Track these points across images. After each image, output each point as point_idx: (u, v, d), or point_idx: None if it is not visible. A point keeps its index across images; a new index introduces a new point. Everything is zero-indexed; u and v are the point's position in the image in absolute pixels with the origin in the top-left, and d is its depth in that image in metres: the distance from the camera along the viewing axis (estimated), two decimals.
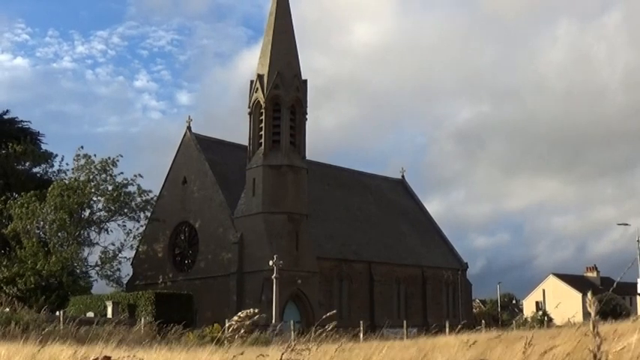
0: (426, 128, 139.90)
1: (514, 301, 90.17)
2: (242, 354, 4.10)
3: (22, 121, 54.55)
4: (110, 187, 44.42)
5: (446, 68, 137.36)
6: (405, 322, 34.89)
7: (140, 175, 45.50)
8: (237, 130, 46.56)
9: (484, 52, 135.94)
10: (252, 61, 44.70)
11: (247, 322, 3.93)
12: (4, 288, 40.98)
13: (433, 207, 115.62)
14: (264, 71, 44.26)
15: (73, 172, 45.94)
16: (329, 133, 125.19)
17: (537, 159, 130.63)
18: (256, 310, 3.91)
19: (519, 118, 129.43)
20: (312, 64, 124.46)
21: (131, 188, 44.89)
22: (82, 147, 45.80)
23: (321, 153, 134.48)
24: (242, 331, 3.89)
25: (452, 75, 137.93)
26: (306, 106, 44.98)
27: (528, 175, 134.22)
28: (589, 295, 3.32)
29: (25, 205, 42.32)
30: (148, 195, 46.03)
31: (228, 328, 4.12)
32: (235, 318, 3.95)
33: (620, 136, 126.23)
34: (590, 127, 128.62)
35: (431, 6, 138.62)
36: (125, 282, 46.99)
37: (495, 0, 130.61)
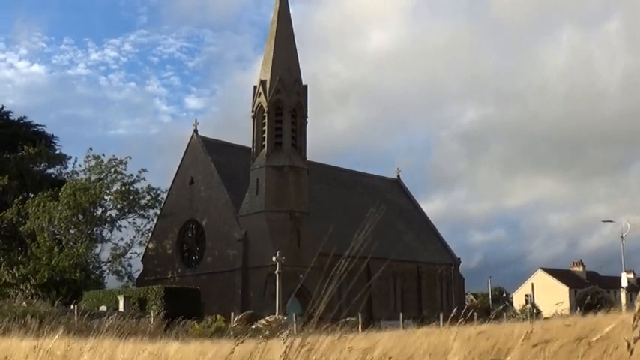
0: (431, 130, 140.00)
1: (504, 295, 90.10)
2: (242, 341, 4.11)
3: (37, 124, 54.64)
4: (118, 185, 44.49)
5: (452, 72, 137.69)
6: (401, 314, 34.91)
7: (145, 170, 45.59)
8: (244, 133, 46.79)
9: (489, 56, 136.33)
10: (256, 67, 44.98)
11: (274, 326, 3.97)
12: (20, 285, 41.01)
13: (436, 205, 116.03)
14: (267, 77, 44.31)
15: (84, 173, 46.06)
16: (340, 134, 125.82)
17: (537, 159, 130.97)
18: (283, 317, 3.96)
19: (521, 119, 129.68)
20: (330, 69, 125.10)
21: (139, 186, 44.99)
22: (91, 148, 45.99)
23: (330, 153, 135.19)
24: (267, 331, 3.93)
25: (458, 78, 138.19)
26: (307, 110, 45.04)
27: (528, 175, 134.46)
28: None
29: (42, 204, 42.37)
30: (156, 193, 46.14)
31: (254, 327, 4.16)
32: (263, 321, 3.97)
33: (615, 137, 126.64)
34: (588, 129, 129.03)
35: (440, 13, 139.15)
36: (136, 277, 47.05)
37: (501, 7, 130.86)
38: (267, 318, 3.95)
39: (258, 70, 46.12)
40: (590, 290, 60.07)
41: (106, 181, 44.63)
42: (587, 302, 45.34)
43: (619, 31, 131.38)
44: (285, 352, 3.60)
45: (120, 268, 44.55)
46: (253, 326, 4.35)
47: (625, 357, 2.75)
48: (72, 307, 26.52)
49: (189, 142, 49.69)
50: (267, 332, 3.90)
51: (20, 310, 22.02)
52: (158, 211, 47.29)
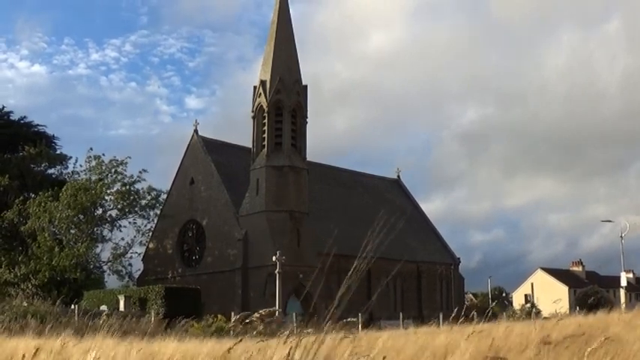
0: (432, 130, 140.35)
1: (504, 294, 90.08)
2: (240, 340, 4.10)
3: (38, 125, 54.55)
4: (119, 185, 44.42)
5: (452, 72, 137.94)
6: (401, 314, 34.90)
7: (145, 170, 45.54)
8: (244, 133, 47.05)
9: (490, 56, 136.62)
10: (256, 67, 44.91)
11: (268, 319, 3.97)
12: (21, 285, 40.96)
13: (436, 205, 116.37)
14: (267, 77, 44.29)
15: (85, 173, 46.01)
16: (340, 134, 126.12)
17: (537, 159, 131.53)
18: (278, 309, 3.97)
19: (521, 120, 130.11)
20: (330, 69, 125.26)
21: (139, 186, 44.92)
22: (91, 148, 45.90)
23: (330, 153, 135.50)
24: (261, 326, 3.94)
25: (458, 78, 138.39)
26: (307, 110, 45.01)
27: (528, 175, 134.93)
28: None
29: (43, 204, 42.35)
30: (156, 193, 46.09)
31: (248, 322, 4.16)
32: (256, 315, 3.98)
33: (615, 137, 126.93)
34: (588, 129, 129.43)
35: (440, 14, 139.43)
36: (136, 277, 47.02)
37: (501, 8, 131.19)
38: (260, 311, 3.96)
39: (259, 70, 46.17)
40: (590, 290, 60.10)
41: (106, 181, 44.55)
42: (587, 302, 45.33)
43: (619, 31, 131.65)
44: (289, 353, 3.60)
45: (120, 267, 44.50)
46: (247, 320, 4.36)
47: (625, 357, 2.73)
48: (72, 306, 26.49)
49: (190, 142, 49.68)
50: (261, 327, 3.90)
51: (21, 309, 21.99)
52: (158, 211, 47.25)
